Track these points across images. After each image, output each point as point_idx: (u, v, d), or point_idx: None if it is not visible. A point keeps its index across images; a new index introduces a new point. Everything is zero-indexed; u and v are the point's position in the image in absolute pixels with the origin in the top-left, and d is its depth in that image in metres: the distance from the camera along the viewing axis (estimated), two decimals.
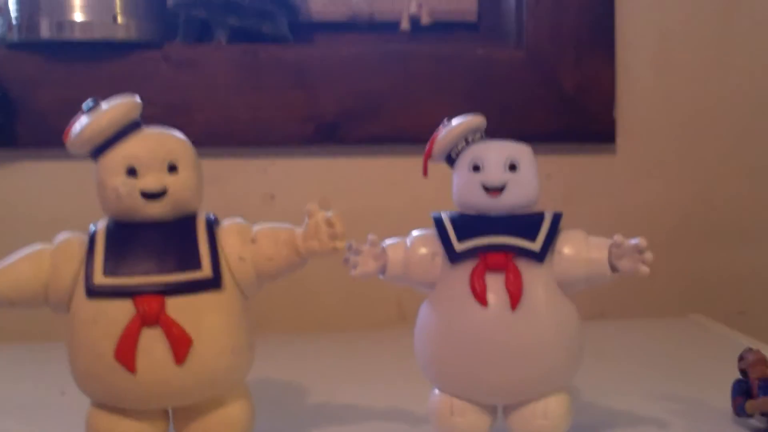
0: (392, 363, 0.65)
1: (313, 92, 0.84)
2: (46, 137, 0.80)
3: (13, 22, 0.78)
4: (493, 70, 0.86)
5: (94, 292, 0.41)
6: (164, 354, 0.40)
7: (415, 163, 0.86)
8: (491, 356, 0.40)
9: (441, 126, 0.44)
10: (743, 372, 0.54)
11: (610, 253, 0.41)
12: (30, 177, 0.82)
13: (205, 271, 0.42)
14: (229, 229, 0.45)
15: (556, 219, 0.42)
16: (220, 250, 0.43)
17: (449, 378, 0.41)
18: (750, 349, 0.55)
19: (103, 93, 0.79)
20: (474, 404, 0.42)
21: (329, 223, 0.43)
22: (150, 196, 0.42)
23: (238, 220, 0.46)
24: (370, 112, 0.84)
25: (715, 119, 0.90)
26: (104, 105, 0.43)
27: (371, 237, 0.42)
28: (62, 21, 0.78)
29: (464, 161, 0.42)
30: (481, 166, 0.41)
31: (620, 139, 0.89)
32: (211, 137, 0.82)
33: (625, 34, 0.88)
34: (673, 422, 0.53)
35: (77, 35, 0.79)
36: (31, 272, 0.42)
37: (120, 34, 0.80)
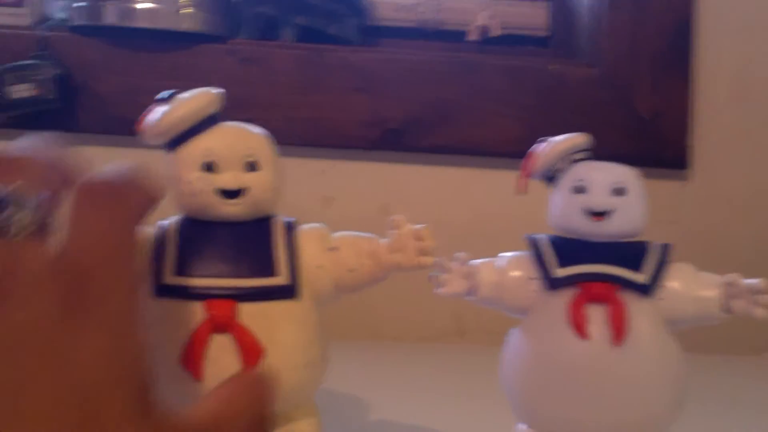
0: (454, 380, 0.62)
1: (377, 97, 0.81)
2: (106, 123, 0.79)
3: (77, 5, 0.77)
4: (565, 87, 0.83)
5: (163, 291, 0.38)
6: (232, 363, 0.37)
7: (478, 174, 0.85)
8: (589, 394, 0.36)
9: (541, 142, 0.41)
10: None
11: (722, 292, 0.38)
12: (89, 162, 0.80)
13: (282, 277, 0.39)
14: (308, 234, 0.42)
15: (665, 250, 0.39)
16: (297, 256, 0.40)
17: (540, 414, 0.38)
18: None
19: (165, 83, 0.79)
20: None
21: (418, 237, 0.40)
22: (227, 194, 0.39)
23: (318, 225, 0.43)
24: (435, 120, 0.82)
25: None
26: (183, 95, 0.41)
27: (460, 255, 0.39)
28: (127, 7, 0.77)
29: (566, 182, 0.39)
30: (585, 188, 0.38)
31: (693, 166, 0.85)
32: (273, 136, 0.80)
33: (703, 58, 0.85)
34: None
35: (141, 23, 0.77)
36: None
37: (185, 25, 0.78)
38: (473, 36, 0.89)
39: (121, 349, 0.22)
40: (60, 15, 0.80)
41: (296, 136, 0.81)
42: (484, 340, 0.80)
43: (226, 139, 0.40)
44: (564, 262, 0.38)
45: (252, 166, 0.40)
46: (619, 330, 0.36)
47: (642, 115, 0.84)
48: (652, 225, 0.85)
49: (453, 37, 0.90)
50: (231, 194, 0.39)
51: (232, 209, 0.40)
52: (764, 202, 0.86)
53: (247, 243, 0.40)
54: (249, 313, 0.38)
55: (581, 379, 0.36)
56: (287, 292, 0.39)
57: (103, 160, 0.84)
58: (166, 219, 0.41)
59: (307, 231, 0.42)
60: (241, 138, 0.41)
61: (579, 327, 0.36)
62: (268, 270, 0.39)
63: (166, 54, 0.79)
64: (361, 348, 0.75)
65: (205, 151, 0.40)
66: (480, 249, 0.43)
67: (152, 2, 0.77)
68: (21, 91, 0.74)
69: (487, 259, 0.40)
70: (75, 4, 0.77)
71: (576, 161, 0.40)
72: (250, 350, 0.37)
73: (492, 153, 0.82)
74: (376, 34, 0.90)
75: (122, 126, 0.79)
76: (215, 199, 0.39)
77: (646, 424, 0.37)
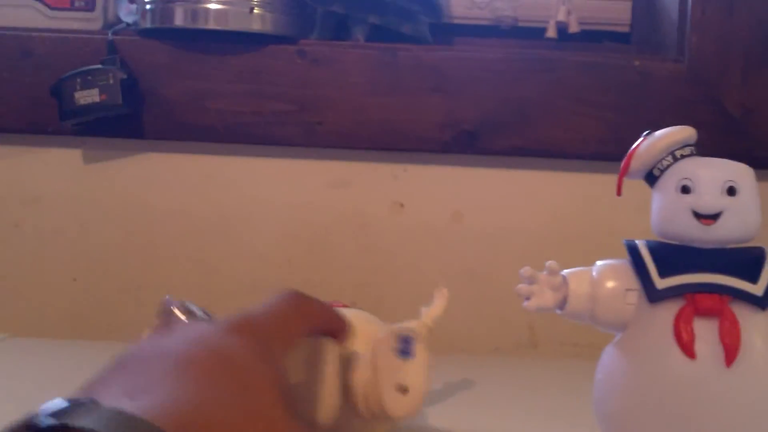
0: (525, 395, 0.59)
1: (452, 98, 0.78)
2: (173, 129, 0.78)
3: (147, 8, 0.76)
4: (650, 84, 0.79)
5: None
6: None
7: (557, 178, 0.81)
8: (696, 420, 0.33)
9: (642, 137, 0.37)
10: None
11: None
12: (155, 169, 0.79)
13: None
14: None
15: None
16: None
17: None
18: None
19: (234, 86, 0.78)
20: None
21: None
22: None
23: None
24: (512, 121, 0.78)
25: None
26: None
27: (550, 264, 0.35)
28: (197, 9, 0.76)
29: (671, 180, 0.35)
30: (692, 187, 0.34)
31: None
32: (342, 138, 0.78)
33: None
34: None
35: (212, 24, 0.76)
36: None
37: (255, 26, 0.77)
38: (551, 33, 0.87)
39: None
40: (129, 18, 0.79)
41: (367, 139, 0.78)
42: (558, 352, 0.76)
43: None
44: (667, 271, 0.34)
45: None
46: (731, 349, 0.32)
47: (732, 113, 0.80)
48: None
49: (530, 34, 0.87)
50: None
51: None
52: None
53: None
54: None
55: (688, 404, 0.33)
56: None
57: (170, 167, 0.84)
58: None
59: None
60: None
61: (686, 345, 0.33)
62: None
63: (236, 56, 0.78)
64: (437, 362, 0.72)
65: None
66: (559, 258, 0.39)
67: (223, 3, 0.76)
68: (87, 96, 0.74)
69: (580, 268, 0.37)
70: (145, 7, 0.76)
71: (681, 157, 0.36)
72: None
73: (572, 155, 0.78)
74: (450, 32, 0.88)
75: (189, 132, 0.79)
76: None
77: None
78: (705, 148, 0.79)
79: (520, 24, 0.89)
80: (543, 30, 0.87)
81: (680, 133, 0.36)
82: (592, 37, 0.88)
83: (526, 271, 0.35)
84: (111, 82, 0.74)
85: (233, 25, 0.76)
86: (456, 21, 0.87)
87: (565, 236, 0.78)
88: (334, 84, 0.78)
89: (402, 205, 0.80)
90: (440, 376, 0.66)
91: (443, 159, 0.80)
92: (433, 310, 0.45)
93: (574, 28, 0.87)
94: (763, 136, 0.80)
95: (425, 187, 0.80)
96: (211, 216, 0.78)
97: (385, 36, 0.82)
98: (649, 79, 0.80)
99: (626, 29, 0.89)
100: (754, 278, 0.34)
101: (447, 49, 0.81)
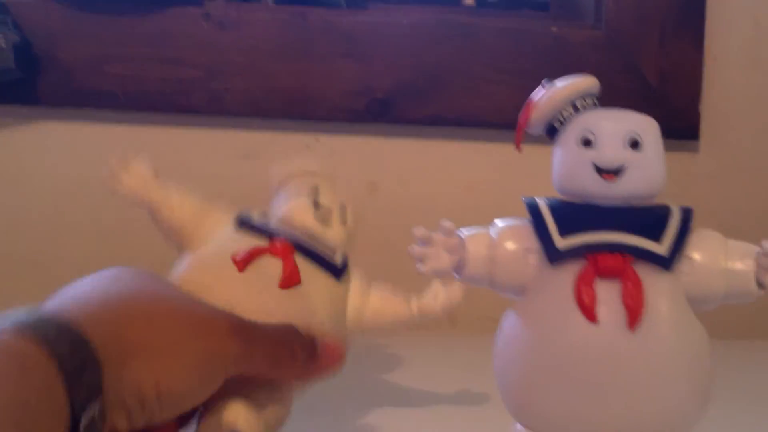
0: (446, 374, 0.57)
1: (365, 64, 0.76)
2: (70, 95, 0.74)
3: None
4: (567, 51, 0.79)
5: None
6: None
7: (475, 147, 0.80)
8: (598, 388, 0.31)
9: (540, 87, 0.35)
10: None
11: (757, 263, 0.32)
12: (51, 137, 0.76)
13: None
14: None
15: (687, 215, 0.33)
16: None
17: (540, 412, 0.32)
18: None
19: (136, 50, 0.74)
20: None
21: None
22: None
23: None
24: (427, 89, 0.77)
25: None
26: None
27: (446, 224, 0.33)
28: None
29: (571, 133, 0.33)
30: (593, 140, 0.32)
31: (704, 135, 0.81)
32: (251, 106, 0.76)
33: (715, 20, 0.80)
34: None
35: None
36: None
37: None
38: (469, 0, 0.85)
39: None
40: None
41: (278, 107, 0.76)
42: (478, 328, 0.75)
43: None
44: (568, 230, 0.32)
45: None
46: (634, 311, 0.31)
47: (649, 81, 0.80)
48: (662, 199, 0.81)
49: (448, 0, 0.86)
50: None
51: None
52: None
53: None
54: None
55: (590, 369, 0.31)
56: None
57: (67, 135, 0.80)
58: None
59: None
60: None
61: (587, 308, 0.31)
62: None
63: (138, 19, 0.74)
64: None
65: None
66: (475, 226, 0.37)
67: None
68: None
69: (477, 229, 0.34)
70: None
71: (583, 109, 0.34)
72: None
73: (489, 123, 0.77)
74: None
75: (88, 99, 0.75)
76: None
77: (666, 422, 0.32)
78: None
79: None
80: None
81: (582, 82, 0.34)
82: (511, 3, 0.87)
83: (419, 231, 0.33)
84: (2, 45, 0.70)
85: None
86: None
87: (482, 205, 0.77)
88: (241, 49, 0.75)
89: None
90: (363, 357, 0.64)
91: (357, 128, 0.77)
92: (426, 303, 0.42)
93: None
94: (680, 103, 0.81)
95: (339, 157, 0.78)
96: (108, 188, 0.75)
97: None
98: (566, 45, 0.79)
99: None
100: (657, 237, 0.32)
101: (360, 13, 0.78)
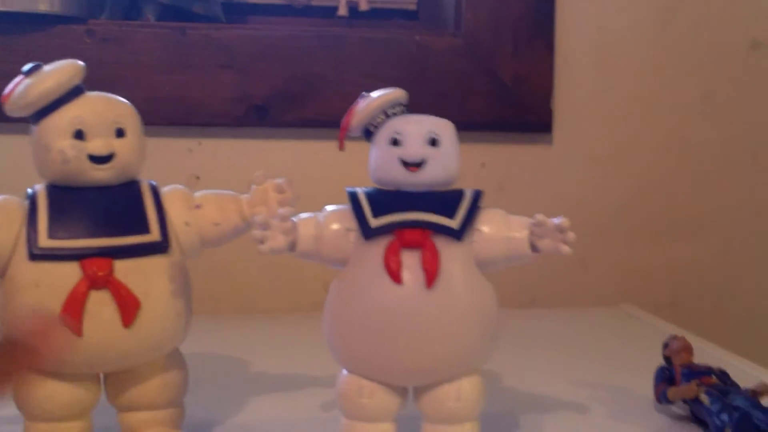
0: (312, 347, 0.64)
1: (243, 74, 0.81)
2: None
3: None
4: (431, 58, 0.85)
5: (38, 255, 0.40)
6: (111, 317, 0.40)
7: (347, 147, 0.86)
8: (403, 335, 0.38)
9: (360, 98, 0.42)
10: (667, 359, 0.54)
11: (531, 232, 0.40)
12: None
13: (154, 234, 0.42)
14: (172, 195, 0.44)
15: (476, 197, 0.40)
16: (165, 215, 0.43)
17: (358, 358, 0.39)
18: (675, 337, 0.54)
19: (21, 67, 0.78)
20: (384, 385, 0.40)
21: (279, 189, 0.44)
22: (98, 159, 0.41)
23: (179, 186, 0.45)
24: (301, 95, 0.82)
25: (651, 114, 0.90)
26: (48, 67, 0.42)
27: (281, 211, 0.40)
28: None
29: (383, 135, 0.40)
30: (400, 140, 0.39)
31: (557, 130, 0.89)
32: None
33: (564, 26, 0.88)
34: (594, 408, 0.52)
35: None
36: None
37: (42, 7, 0.77)
38: (342, 11, 0.90)
39: None
40: None
41: (160, 115, 0.80)
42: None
43: (95, 107, 0.42)
44: (380, 212, 0.39)
45: (120, 133, 0.42)
46: (430, 273, 0.38)
47: (505, 82, 0.87)
48: (519, 188, 0.89)
49: (322, 13, 0.91)
50: (101, 160, 0.41)
51: (102, 174, 0.42)
52: (625, 165, 0.90)
53: (118, 205, 0.42)
54: (124, 269, 0.40)
55: (395, 321, 0.38)
56: (159, 248, 0.42)
57: None
58: (32, 188, 0.43)
59: (172, 192, 0.45)
60: (109, 106, 0.43)
61: (393, 272, 0.38)
62: (141, 228, 0.42)
63: (22, 37, 0.77)
64: (235, 321, 0.77)
65: (75, 119, 0.41)
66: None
67: None
68: None
69: (308, 214, 0.41)
70: None
71: (393, 115, 0.41)
72: (128, 303, 0.40)
73: None
74: (243, 12, 0.90)
75: None
76: (86, 165, 0.41)
77: (459, 362, 0.39)
78: (481, 114, 0.87)
79: (313, 3, 0.92)
80: (335, 9, 0.91)
81: (392, 94, 0.41)
82: (382, 15, 0.93)
83: (259, 218, 0.39)
84: None
85: (18, 6, 0.76)
86: (251, 0, 0.90)
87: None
88: (124, 63, 0.79)
89: (198, 178, 0.82)
90: (240, 335, 0.71)
91: (237, 132, 0.82)
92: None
93: (363, 6, 0.91)
94: (532, 102, 0.87)
95: (220, 159, 0.83)
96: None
97: (177, 15, 0.83)
98: (429, 53, 0.85)
99: (414, 7, 0.95)
100: (452, 215, 0.39)
101: (237, 27, 0.83)
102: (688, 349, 0.53)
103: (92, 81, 0.77)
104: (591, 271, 0.89)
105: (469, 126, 0.86)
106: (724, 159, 0.91)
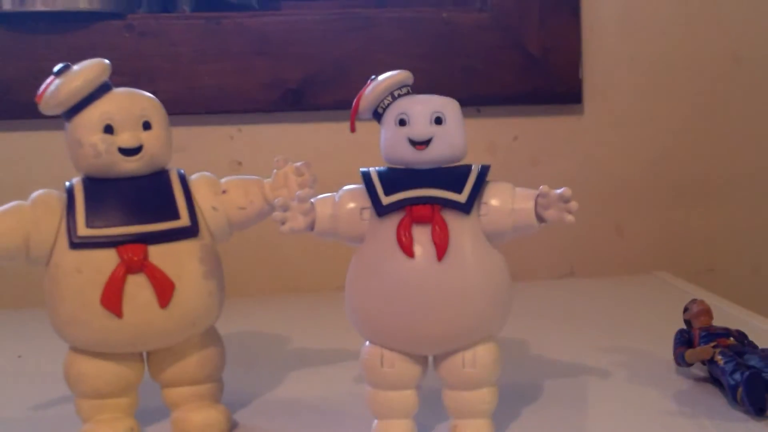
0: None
1: (276, 59, 0.84)
2: (9, 109, 0.81)
3: None
4: (458, 34, 0.87)
5: (77, 244, 0.43)
6: (149, 299, 0.43)
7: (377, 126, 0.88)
8: (417, 306, 0.40)
9: (368, 82, 0.44)
10: (687, 322, 0.55)
11: (536, 203, 0.42)
12: None
13: (183, 220, 0.45)
14: (199, 181, 0.48)
15: (483, 171, 0.42)
16: (194, 201, 0.46)
17: (378, 329, 0.42)
18: (695, 300, 0.55)
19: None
20: (404, 355, 0.42)
21: (298, 173, 0.47)
22: (127, 152, 0.44)
23: (206, 174, 0.48)
24: (333, 77, 0.85)
25: (681, 77, 0.90)
26: (76, 67, 0.45)
27: (299, 193, 0.42)
28: None
29: (390, 116, 0.42)
30: (407, 120, 0.41)
31: (587, 99, 0.90)
32: (177, 106, 0.82)
33: None
34: (614, 372, 0.54)
35: (39, 6, 0.79)
36: (13, 225, 0.44)
37: (83, 5, 0.80)
38: None
39: None
40: None
41: (201, 104, 0.84)
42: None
43: (121, 102, 0.45)
44: (391, 190, 0.41)
45: (147, 125, 0.45)
46: (440, 247, 0.40)
47: (533, 54, 0.87)
48: (552, 160, 0.90)
49: None
50: (130, 152, 0.45)
51: (132, 165, 0.45)
52: (657, 130, 0.90)
53: (149, 194, 0.45)
54: (158, 254, 0.44)
55: (409, 293, 0.40)
56: (190, 232, 0.45)
57: (9, 147, 0.86)
58: (69, 181, 0.46)
59: (198, 179, 0.48)
60: (135, 100, 0.46)
61: (406, 247, 0.40)
62: (171, 215, 0.45)
63: (66, 35, 0.81)
64: (279, 301, 0.80)
65: (104, 115, 0.44)
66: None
67: None
68: None
69: (325, 195, 0.44)
70: None
71: (399, 96, 0.43)
72: (163, 285, 0.43)
73: None
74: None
75: (26, 111, 0.81)
76: (117, 157, 0.44)
77: (473, 330, 0.41)
78: (511, 88, 0.88)
79: None
80: None
81: (398, 76, 0.43)
82: None
83: (279, 200, 0.42)
84: None
85: (60, 6, 0.79)
86: None
87: None
88: (163, 55, 0.82)
89: (240, 164, 0.85)
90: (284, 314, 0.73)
91: (274, 117, 0.85)
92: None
93: None
94: (561, 73, 0.88)
95: (260, 144, 0.86)
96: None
97: (211, 5, 0.86)
98: (456, 29, 0.87)
99: None
100: (459, 189, 0.41)
101: (270, 14, 0.86)
102: (707, 312, 0.54)
103: (132, 74, 0.82)
104: (627, 239, 0.90)
105: (499, 100, 0.88)
106: (756, 119, 0.91)
